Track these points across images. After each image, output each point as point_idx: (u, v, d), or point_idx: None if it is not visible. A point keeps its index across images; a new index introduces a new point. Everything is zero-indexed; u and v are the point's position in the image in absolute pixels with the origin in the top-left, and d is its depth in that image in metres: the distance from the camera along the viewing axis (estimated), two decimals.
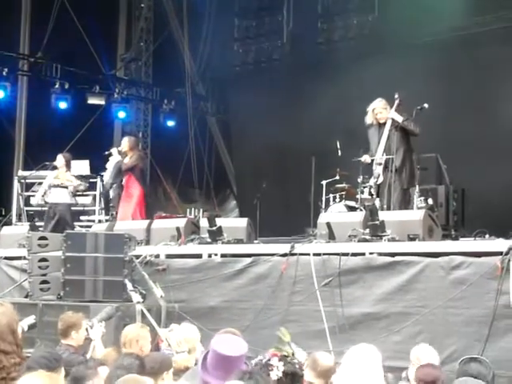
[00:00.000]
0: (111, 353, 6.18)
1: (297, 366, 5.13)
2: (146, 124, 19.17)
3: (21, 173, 15.18)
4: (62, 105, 16.49)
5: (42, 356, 4.87)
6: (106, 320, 7.50)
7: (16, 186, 14.90)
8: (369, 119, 10.34)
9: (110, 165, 12.83)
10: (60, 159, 12.87)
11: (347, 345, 5.43)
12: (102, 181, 13.37)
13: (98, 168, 13.80)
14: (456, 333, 7.90)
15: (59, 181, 12.70)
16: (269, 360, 5.03)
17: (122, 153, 12.69)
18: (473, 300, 7.86)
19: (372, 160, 10.24)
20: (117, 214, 12.64)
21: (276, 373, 5.00)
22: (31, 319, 6.64)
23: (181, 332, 6.56)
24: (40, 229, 12.36)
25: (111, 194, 13.24)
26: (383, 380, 4.65)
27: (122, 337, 6.46)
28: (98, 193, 14.31)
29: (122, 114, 17.83)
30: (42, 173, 13.61)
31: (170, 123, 18.51)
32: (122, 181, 12.71)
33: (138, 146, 13.32)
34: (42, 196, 12.96)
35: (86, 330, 7.03)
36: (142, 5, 18.75)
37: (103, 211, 14.01)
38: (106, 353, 6.34)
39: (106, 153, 12.86)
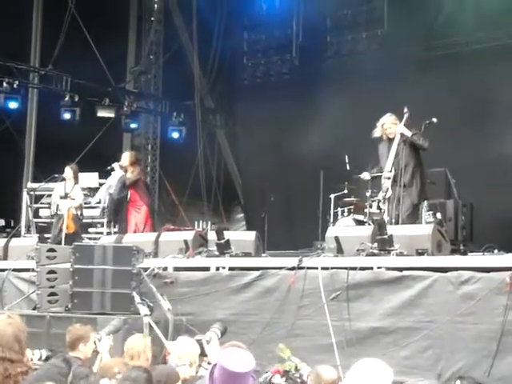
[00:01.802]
0: (110, 364, 6.11)
1: (298, 381, 5.12)
2: (155, 137, 19.20)
3: (30, 185, 15.25)
4: (72, 117, 16.52)
5: (51, 370, 4.87)
6: (114, 333, 7.48)
7: (25, 197, 14.96)
8: (377, 133, 10.32)
9: (113, 180, 12.97)
10: (68, 171, 12.91)
11: (355, 359, 5.40)
12: (109, 194, 13.34)
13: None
14: (464, 348, 7.86)
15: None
16: (272, 377, 5.02)
17: (123, 167, 12.83)
18: (481, 315, 7.83)
19: (372, 177, 10.25)
20: (125, 227, 12.68)
21: None
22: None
23: (182, 345, 6.54)
24: (48, 241, 12.38)
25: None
26: None
27: (128, 349, 6.43)
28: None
29: (134, 127, 17.90)
30: (51, 185, 13.67)
31: (179, 136, 18.52)
32: (128, 195, 12.78)
33: (138, 161, 13.45)
34: (51, 208, 13.02)
35: (95, 342, 7.02)
36: (152, 18, 18.83)
37: (112, 223, 14.02)
38: (104, 364, 6.28)
39: (109, 168, 13.00)
